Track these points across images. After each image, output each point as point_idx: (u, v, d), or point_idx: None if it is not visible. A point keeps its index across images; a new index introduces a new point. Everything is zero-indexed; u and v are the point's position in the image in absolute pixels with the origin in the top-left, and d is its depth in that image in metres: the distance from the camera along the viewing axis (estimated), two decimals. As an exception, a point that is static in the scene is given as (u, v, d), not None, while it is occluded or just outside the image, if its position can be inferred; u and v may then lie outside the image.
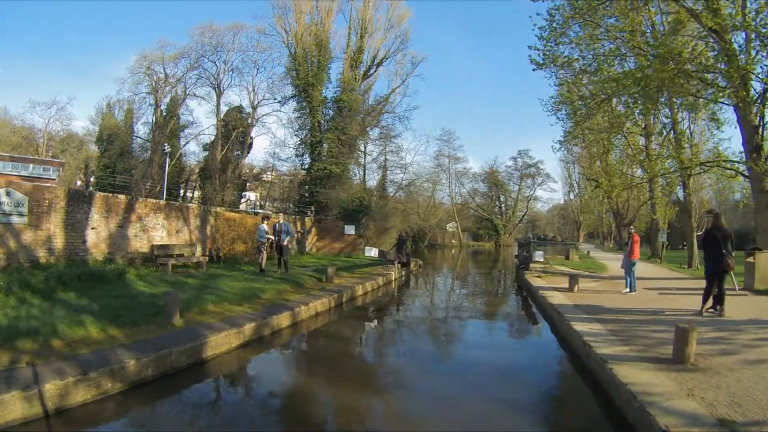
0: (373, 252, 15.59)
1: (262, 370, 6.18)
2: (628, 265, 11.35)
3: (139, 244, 13.22)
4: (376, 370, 6.45)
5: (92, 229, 12.07)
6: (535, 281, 14.12)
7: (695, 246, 21.71)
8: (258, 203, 41.39)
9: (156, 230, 13.77)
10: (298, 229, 23.11)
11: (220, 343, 6.17)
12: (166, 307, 6.54)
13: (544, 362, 6.87)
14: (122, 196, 13.23)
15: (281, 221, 13.39)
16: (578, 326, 7.00)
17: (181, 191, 39.55)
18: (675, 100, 15.93)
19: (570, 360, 6.60)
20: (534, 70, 13.68)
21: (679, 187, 21.57)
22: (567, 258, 25.53)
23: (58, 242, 11.39)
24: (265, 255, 13.07)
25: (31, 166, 30.39)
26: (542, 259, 17.50)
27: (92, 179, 34.71)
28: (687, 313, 8.40)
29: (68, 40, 79.30)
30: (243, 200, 40.70)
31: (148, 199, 14.27)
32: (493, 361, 6.74)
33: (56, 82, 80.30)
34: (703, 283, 13.81)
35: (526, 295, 13.79)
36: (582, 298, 10.43)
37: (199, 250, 14.52)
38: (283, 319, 7.86)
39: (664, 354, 5.51)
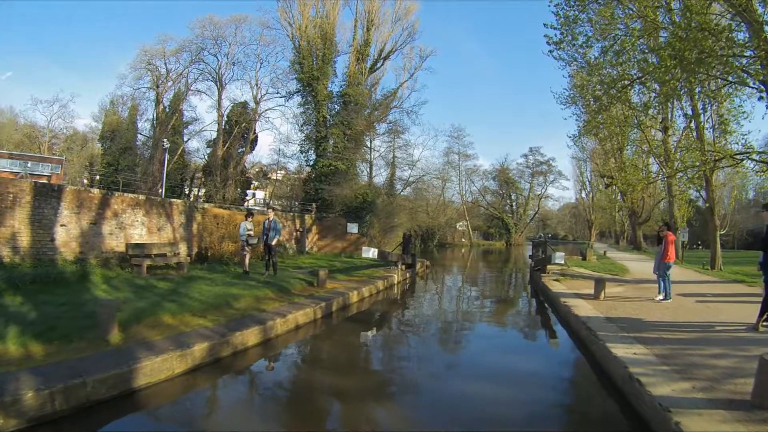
0: (371, 253, 13.98)
1: (205, 407, 4.90)
2: (663, 269, 9.82)
3: (115, 242, 12.03)
4: (351, 412, 5.01)
5: (62, 226, 10.95)
6: (554, 286, 12.60)
7: (718, 246, 20.43)
8: (266, 201, 40.28)
9: (134, 228, 12.56)
10: (297, 227, 21.88)
11: (158, 368, 4.86)
12: (100, 320, 5.29)
13: (579, 403, 5.36)
14: (96, 191, 12.08)
15: (271, 218, 12.13)
16: (618, 350, 5.50)
17: (186, 189, 38.67)
18: (696, 89, 14.55)
19: (612, 398, 4.98)
20: (550, 51, 12.38)
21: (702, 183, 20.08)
22: (584, 258, 23.95)
23: (24, 240, 10.32)
24: (248, 255, 11.86)
25: (29, 163, 29.61)
26: (563, 262, 15.86)
27: (97, 177, 33.98)
28: (739, 328, 7.04)
29: (69, 36, 78.81)
30: (249, 198, 39.68)
31: (125, 194, 13.06)
32: (512, 399, 5.17)
33: (58, 79, 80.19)
34: (738, 288, 12.65)
35: (543, 300, 12.37)
36: (612, 307, 8.91)
37: (183, 249, 13.31)
38: (249, 336, 6.45)
39: (738, 393, 4.09)
